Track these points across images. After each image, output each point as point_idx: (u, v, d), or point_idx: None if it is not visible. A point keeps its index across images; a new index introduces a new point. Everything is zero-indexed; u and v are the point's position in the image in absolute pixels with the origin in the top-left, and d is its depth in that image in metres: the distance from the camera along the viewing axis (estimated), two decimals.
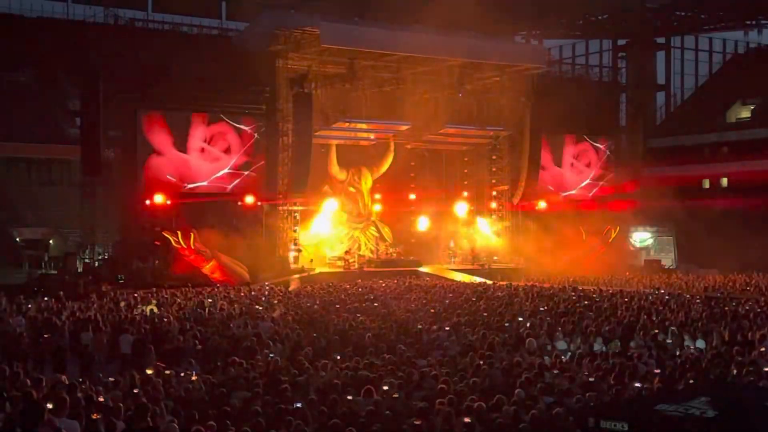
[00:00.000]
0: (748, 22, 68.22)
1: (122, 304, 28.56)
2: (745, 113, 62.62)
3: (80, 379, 15.22)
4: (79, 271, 42.80)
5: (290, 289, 36.12)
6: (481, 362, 16.48)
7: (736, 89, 63.60)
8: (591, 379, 15.25)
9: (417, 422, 12.01)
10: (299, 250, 44.91)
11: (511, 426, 12.15)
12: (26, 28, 49.29)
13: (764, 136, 56.48)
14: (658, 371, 16.09)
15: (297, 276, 42.19)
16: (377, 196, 50.13)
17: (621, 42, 71.03)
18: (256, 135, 45.05)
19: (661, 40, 70.69)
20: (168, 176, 43.03)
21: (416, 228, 51.48)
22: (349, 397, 13.52)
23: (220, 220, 41.60)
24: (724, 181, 60.65)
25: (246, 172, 45.05)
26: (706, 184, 61.57)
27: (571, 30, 70.84)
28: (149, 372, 15.91)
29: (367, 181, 49.88)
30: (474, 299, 29.69)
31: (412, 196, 51.97)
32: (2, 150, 48.66)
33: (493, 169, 51.80)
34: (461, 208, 52.35)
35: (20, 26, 48.76)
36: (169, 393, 14.07)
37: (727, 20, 68.95)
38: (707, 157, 60.31)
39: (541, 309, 26.32)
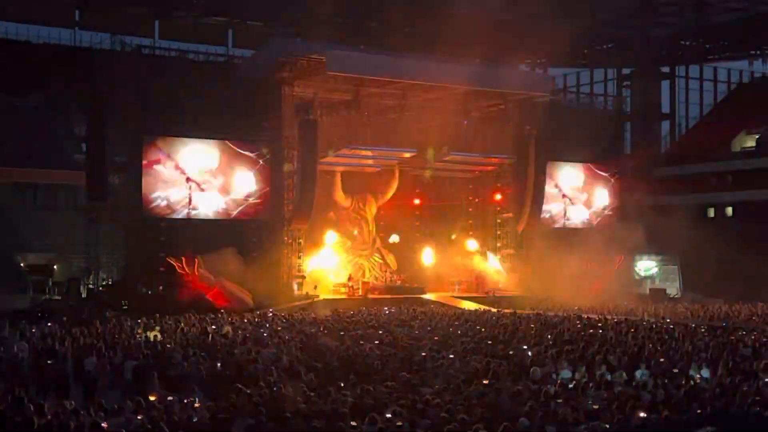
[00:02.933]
0: (753, 52, 68.53)
1: (126, 330, 28.50)
2: (750, 142, 62.69)
3: (83, 405, 15.17)
4: (83, 296, 42.82)
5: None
6: (486, 390, 16.41)
7: (741, 118, 63.71)
8: (595, 407, 15.17)
9: None
10: (303, 277, 44.86)
11: None
12: (33, 54, 49.73)
13: None
14: (663, 400, 16.01)
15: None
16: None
17: (626, 71, 71.30)
18: (261, 162, 45.08)
19: (665, 69, 71.01)
20: (173, 202, 43.03)
21: (420, 255, 51.44)
22: (353, 424, 13.46)
23: (225, 246, 41.55)
24: (729, 210, 60.64)
25: (251, 199, 45.06)
26: (711, 212, 61.55)
27: (576, 59, 71.18)
28: (152, 398, 15.86)
29: (371, 208, 49.93)
30: (478, 327, 29.59)
31: (417, 224, 52.02)
32: (8, 175, 48.93)
33: (498, 197, 51.77)
34: (465, 235, 52.31)
35: (27, 53, 49.18)
36: (172, 420, 14.02)
37: (731, 50, 69.31)
38: (712, 186, 60.33)
39: (546, 337, 26.24)
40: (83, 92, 44.13)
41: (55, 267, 47.64)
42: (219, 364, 20.84)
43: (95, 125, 42.60)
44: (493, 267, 50.87)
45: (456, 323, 31.14)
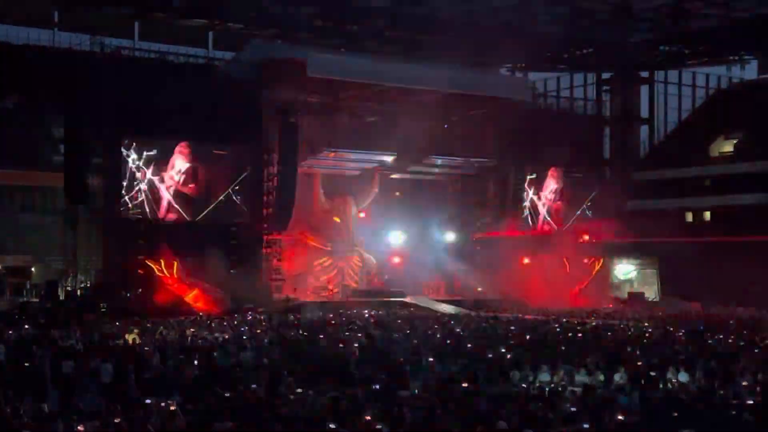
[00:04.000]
0: (732, 57, 68.90)
1: (104, 332, 28.34)
2: (728, 148, 62.98)
3: (60, 409, 15.07)
4: (61, 299, 42.51)
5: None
6: (464, 393, 16.42)
7: (719, 124, 64.00)
8: (574, 410, 15.20)
9: None
10: (282, 280, 44.81)
11: None
12: (12, 55, 49.26)
13: (747, 170, 56.80)
14: (641, 403, 16.07)
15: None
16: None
17: (605, 76, 71.52)
18: (241, 164, 44.95)
19: (645, 74, 71.25)
20: (152, 204, 42.84)
21: (400, 257, 51.46)
22: (332, 426, 13.45)
23: (204, 249, 41.41)
24: (707, 215, 60.87)
25: (230, 201, 44.88)
26: (689, 217, 61.78)
27: (556, 63, 71.38)
28: (130, 402, 15.77)
29: (351, 211, 49.90)
30: (457, 330, 29.63)
31: (398, 226, 52.07)
32: None
33: (478, 200, 51.88)
34: (446, 238, 52.36)
35: (6, 53, 48.74)
36: (150, 423, 13.95)
37: (710, 55, 69.61)
38: (690, 190, 60.56)
39: (525, 340, 26.30)
40: (62, 93, 43.78)
41: (33, 269, 47.30)
42: (197, 368, 20.74)
43: (74, 126, 42.34)
44: (473, 270, 50.83)
45: (435, 326, 31.16)
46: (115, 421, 13.76)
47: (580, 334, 28.30)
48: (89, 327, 30.24)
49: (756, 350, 24.12)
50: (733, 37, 64.03)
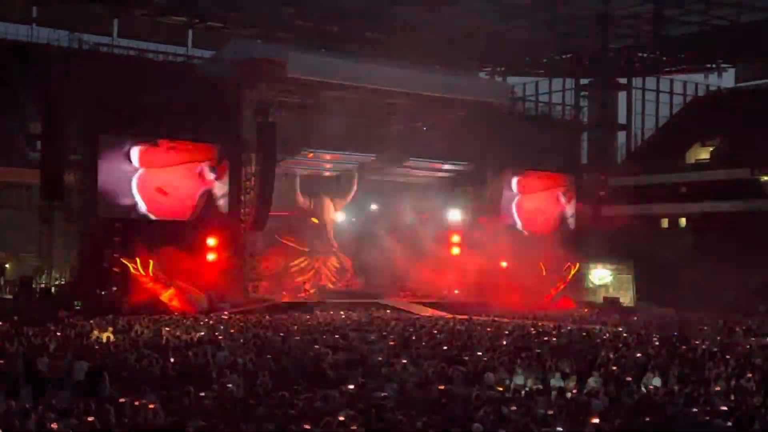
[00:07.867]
0: (709, 66, 69.50)
1: (78, 330, 28.18)
2: (704, 155, 63.50)
3: (33, 406, 14.99)
4: (35, 296, 42.21)
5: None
6: (440, 395, 16.45)
7: (695, 131, 64.52)
8: (548, 413, 15.26)
9: None
10: (259, 280, 44.70)
11: None
12: None
13: (723, 177, 57.25)
14: (615, 408, 16.14)
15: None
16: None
17: (584, 81, 71.98)
18: (219, 163, 44.76)
19: (623, 80, 71.75)
20: (128, 202, 42.58)
21: (379, 259, 51.43)
22: (307, 427, 13.44)
23: (180, 247, 41.24)
24: (683, 221, 61.31)
25: (208, 200, 44.70)
26: (665, 223, 62.20)
27: (535, 68, 71.78)
28: (103, 400, 15.69)
29: (329, 212, 49.88)
30: (434, 332, 29.67)
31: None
32: None
33: (456, 203, 51.93)
34: (424, 240, 52.35)
35: None
36: (123, 421, 13.89)
37: (687, 63, 70.25)
38: (666, 197, 60.96)
39: (501, 343, 26.36)
40: (39, 89, 43.51)
41: (7, 265, 46.98)
42: (172, 367, 20.66)
43: (51, 123, 42.08)
44: (449, 272, 50.86)
45: (411, 328, 31.18)
46: (89, 419, 13.69)
47: (555, 338, 28.40)
48: (63, 324, 30.07)
49: (729, 356, 24.30)
50: (711, 45, 64.63)
